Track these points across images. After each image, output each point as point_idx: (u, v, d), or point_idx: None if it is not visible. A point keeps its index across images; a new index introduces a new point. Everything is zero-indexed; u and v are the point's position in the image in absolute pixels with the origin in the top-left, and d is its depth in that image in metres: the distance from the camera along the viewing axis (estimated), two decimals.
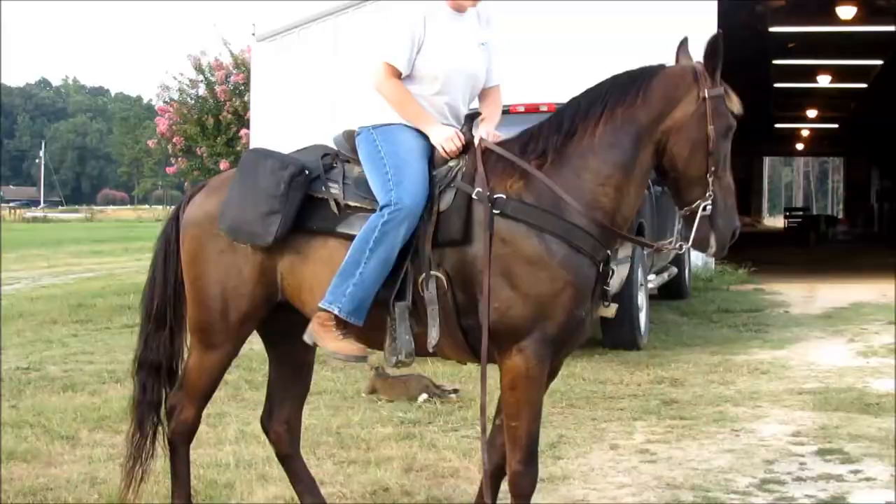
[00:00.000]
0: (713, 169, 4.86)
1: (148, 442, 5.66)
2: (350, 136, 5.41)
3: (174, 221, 5.60)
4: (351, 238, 5.07)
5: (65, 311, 15.92)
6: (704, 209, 4.88)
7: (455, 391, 9.14)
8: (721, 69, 4.93)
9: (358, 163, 5.29)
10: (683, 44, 5.11)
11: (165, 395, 5.65)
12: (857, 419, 8.40)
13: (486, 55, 5.35)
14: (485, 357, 4.92)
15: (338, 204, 5.17)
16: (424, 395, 9.07)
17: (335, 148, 5.42)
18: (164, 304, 5.60)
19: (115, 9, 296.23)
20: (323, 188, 5.21)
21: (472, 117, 5.25)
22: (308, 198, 5.19)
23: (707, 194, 4.87)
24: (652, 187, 12.28)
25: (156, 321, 5.63)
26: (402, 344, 4.98)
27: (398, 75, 5.21)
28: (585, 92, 5.08)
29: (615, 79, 5.04)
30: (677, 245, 5.23)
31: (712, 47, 4.89)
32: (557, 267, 4.83)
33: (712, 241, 4.93)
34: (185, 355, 5.67)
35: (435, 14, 5.25)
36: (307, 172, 5.22)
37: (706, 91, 4.87)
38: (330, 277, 5.09)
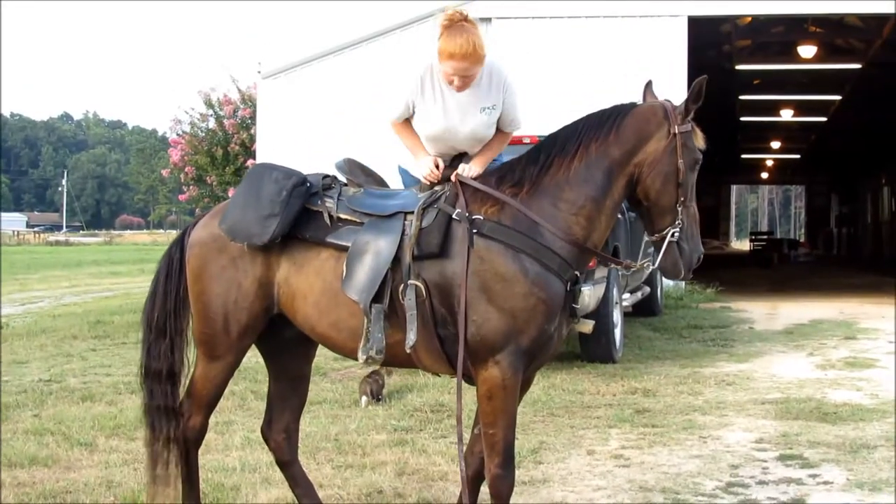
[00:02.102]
0: (682, 199, 4.90)
1: (163, 444, 5.64)
2: (350, 163, 5.50)
3: (179, 243, 5.63)
4: (340, 248, 5.13)
5: (84, 328, 15.89)
6: (673, 236, 4.91)
7: (378, 399, 9.32)
8: (693, 108, 4.96)
9: (355, 185, 5.38)
10: (649, 86, 5.18)
11: (170, 398, 5.62)
12: (815, 427, 8.41)
13: (489, 117, 5.40)
14: (460, 368, 4.92)
15: (330, 216, 5.22)
16: (365, 398, 9.30)
17: (336, 173, 5.50)
18: (165, 316, 5.59)
19: (133, 48, 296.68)
20: (319, 202, 5.27)
21: (459, 157, 5.33)
22: (305, 210, 5.25)
23: (676, 222, 4.91)
24: (626, 213, 12.33)
25: (156, 331, 5.61)
26: (374, 342, 5.00)
27: (401, 123, 5.51)
28: (562, 128, 5.11)
29: (590, 117, 5.07)
30: (645, 264, 5.29)
31: (698, 90, 4.90)
32: (530, 284, 4.84)
33: (681, 266, 4.96)
34: (186, 363, 5.66)
35: (433, 81, 5.37)
36: (308, 185, 5.30)
37: (676, 127, 4.91)
38: (320, 287, 5.15)
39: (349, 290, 5.02)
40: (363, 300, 4.98)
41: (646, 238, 5.13)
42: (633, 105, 5.07)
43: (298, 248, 5.24)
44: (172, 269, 5.60)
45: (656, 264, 5.01)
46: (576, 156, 4.97)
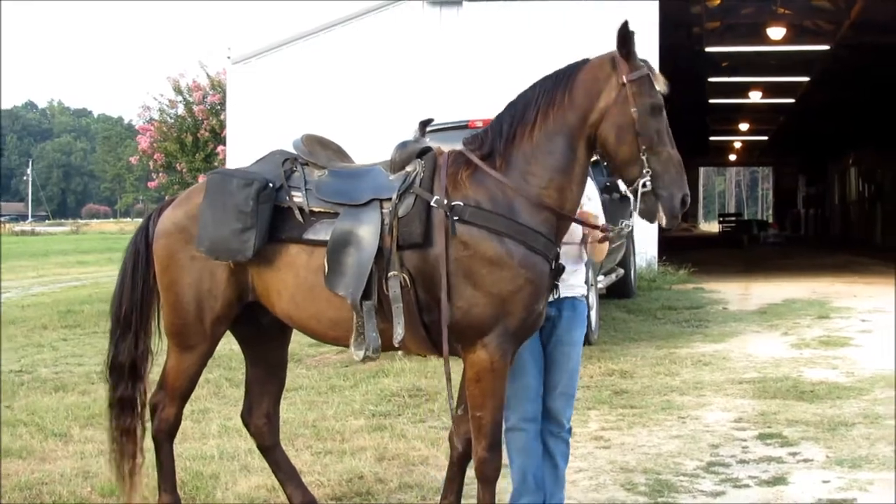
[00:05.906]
0: (644, 147, 4.77)
1: (131, 437, 5.57)
2: (309, 140, 5.32)
3: (143, 232, 5.53)
4: (317, 244, 5.00)
5: (54, 318, 15.76)
6: (644, 185, 4.77)
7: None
8: (634, 51, 4.84)
9: (317, 167, 5.20)
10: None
11: (131, 391, 5.56)
12: (793, 406, 8.44)
13: None
14: (446, 355, 4.86)
15: (302, 212, 5.09)
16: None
17: (294, 152, 5.31)
18: (132, 307, 5.52)
19: (98, 34, 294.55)
20: (287, 198, 5.12)
21: (425, 123, 5.21)
22: (276, 208, 5.10)
23: (644, 171, 4.77)
24: (601, 195, 12.31)
25: (122, 325, 5.54)
26: (369, 340, 4.92)
27: None
28: (520, 95, 5.02)
29: (545, 79, 4.97)
30: (623, 225, 5.19)
31: (622, 35, 4.81)
32: (517, 266, 4.77)
33: (661, 213, 4.80)
34: (150, 356, 5.59)
35: None
36: (271, 185, 5.13)
37: (624, 77, 4.80)
38: (294, 282, 5.04)
39: (336, 287, 4.90)
40: (352, 296, 4.88)
41: (628, 191, 4.95)
42: (584, 62, 4.97)
43: (272, 244, 5.10)
44: (139, 260, 5.52)
45: (636, 212, 4.86)
46: (535, 125, 4.88)
